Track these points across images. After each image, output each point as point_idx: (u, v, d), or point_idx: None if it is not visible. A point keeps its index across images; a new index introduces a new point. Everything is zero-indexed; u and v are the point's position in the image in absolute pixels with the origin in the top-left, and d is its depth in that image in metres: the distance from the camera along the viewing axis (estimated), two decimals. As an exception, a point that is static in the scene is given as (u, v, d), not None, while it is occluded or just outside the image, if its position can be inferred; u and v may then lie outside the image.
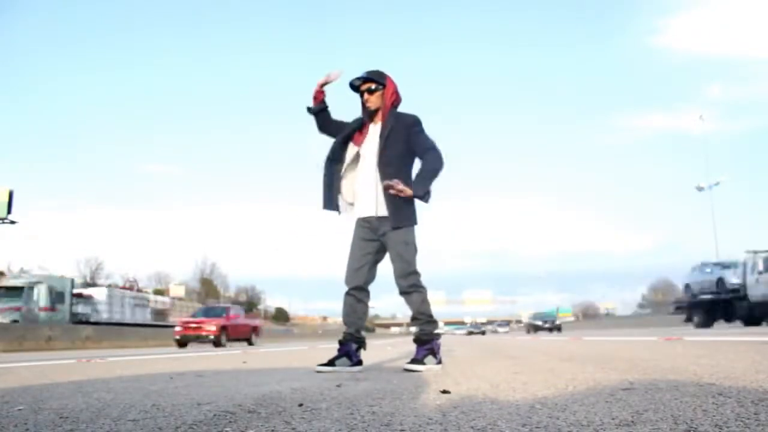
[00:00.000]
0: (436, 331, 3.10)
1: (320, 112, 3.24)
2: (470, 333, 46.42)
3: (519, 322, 72.98)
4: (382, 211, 3.02)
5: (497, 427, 1.21)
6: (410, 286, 3.03)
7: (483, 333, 46.45)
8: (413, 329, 3.41)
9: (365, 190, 3.09)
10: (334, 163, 3.19)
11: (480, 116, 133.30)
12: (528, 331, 34.70)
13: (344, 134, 3.20)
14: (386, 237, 3.03)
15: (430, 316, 3.07)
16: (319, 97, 3.21)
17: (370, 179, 3.07)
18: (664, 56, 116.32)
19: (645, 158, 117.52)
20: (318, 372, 2.95)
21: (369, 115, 3.16)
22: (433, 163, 3.04)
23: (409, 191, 2.94)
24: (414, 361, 2.98)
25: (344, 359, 3.07)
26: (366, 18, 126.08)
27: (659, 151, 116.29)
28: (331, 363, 3.04)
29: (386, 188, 2.95)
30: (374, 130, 3.12)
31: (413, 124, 3.10)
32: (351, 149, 3.17)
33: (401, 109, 3.18)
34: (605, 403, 1.46)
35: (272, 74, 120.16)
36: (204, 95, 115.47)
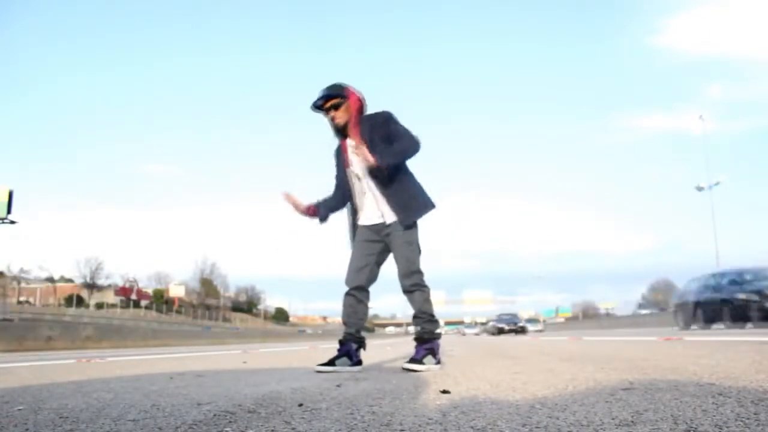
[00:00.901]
0: (437, 331, 3.10)
1: (329, 212, 3.25)
2: (500, 331, 28.45)
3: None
4: (390, 218, 3.02)
5: (497, 427, 1.21)
6: (413, 285, 3.03)
7: (522, 330, 28.47)
8: (412, 329, 3.41)
9: (369, 206, 3.10)
10: (350, 199, 3.20)
11: (480, 116, 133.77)
12: (682, 325, 14.17)
13: (340, 175, 3.22)
14: (390, 237, 3.04)
15: (432, 315, 3.07)
16: (312, 213, 3.22)
17: (369, 195, 3.08)
18: (664, 56, 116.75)
19: (645, 158, 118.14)
20: (318, 372, 2.95)
21: (340, 131, 3.10)
22: (403, 144, 2.95)
23: (371, 159, 2.83)
24: (413, 360, 2.98)
25: (344, 359, 3.07)
26: (366, 18, 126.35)
27: (659, 151, 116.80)
28: (331, 363, 3.04)
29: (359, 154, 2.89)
30: (352, 145, 3.03)
31: (386, 121, 3.01)
32: (349, 174, 3.14)
33: (370, 106, 3.10)
34: (605, 403, 1.46)
35: (272, 74, 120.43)
36: (204, 95, 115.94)
